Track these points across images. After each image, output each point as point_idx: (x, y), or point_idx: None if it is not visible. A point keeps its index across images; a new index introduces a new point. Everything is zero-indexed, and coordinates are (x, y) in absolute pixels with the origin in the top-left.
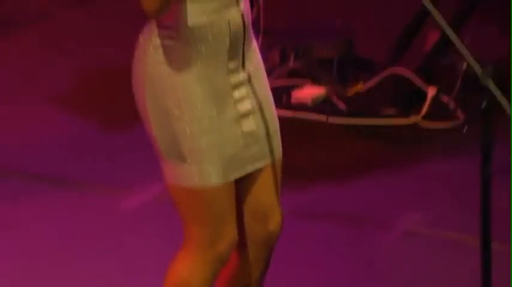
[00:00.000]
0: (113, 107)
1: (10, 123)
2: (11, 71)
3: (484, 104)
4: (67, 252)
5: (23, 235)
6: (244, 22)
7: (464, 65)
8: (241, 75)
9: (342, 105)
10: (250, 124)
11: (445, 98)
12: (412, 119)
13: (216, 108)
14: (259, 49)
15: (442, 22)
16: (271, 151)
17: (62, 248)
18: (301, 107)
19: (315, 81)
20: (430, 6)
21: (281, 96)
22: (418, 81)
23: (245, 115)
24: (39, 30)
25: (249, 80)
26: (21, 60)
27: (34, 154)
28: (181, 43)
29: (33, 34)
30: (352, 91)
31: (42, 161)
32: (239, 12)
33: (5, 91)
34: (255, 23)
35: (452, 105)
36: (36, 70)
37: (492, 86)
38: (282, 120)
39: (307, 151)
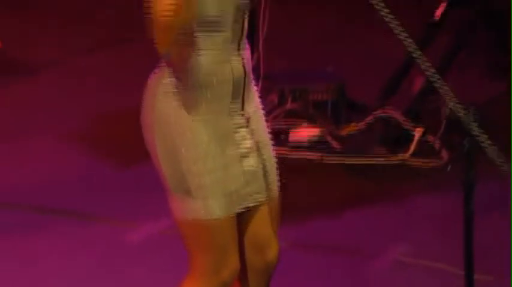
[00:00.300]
0: (122, 146)
1: (26, 160)
2: (31, 112)
3: (466, 145)
4: (76, 282)
5: (35, 265)
6: (245, 69)
7: (449, 108)
8: (242, 119)
9: (335, 145)
10: (250, 162)
11: (430, 139)
12: (400, 158)
13: (219, 148)
14: (260, 92)
15: (428, 68)
16: (269, 187)
17: (71, 277)
18: (298, 146)
19: (311, 122)
20: (415, 54)
21: (279, 135)
22: (405, 123)
23: (246, 154)
24: (55, 75)
25: (249, 122)
26: (40, 102)
27: (48, 189)
28: (188, 88)
29: (50, 78)
30: (345, 131)
31: (56, 196)
32: (240, 60)
33: (23, 130)
34: (256, 69)
35: (437, 145)
36: (53, 111)
37: (474, 128)
38: (280, 158)
39: (303, 186)
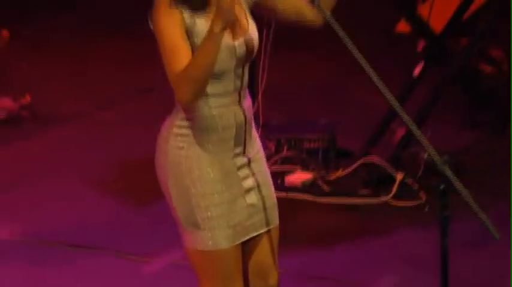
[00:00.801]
0: (140, 188)
1: (54, 201)
2: (59, 158)
3: (441, 187)
4: None
5: None
6: (246, 116)
7: (426, 155)
8: (244, 159)
9: (326, 187)
10: (252, 198)
11: (410, 182)
12: (383, 199)
13: (224, 185)
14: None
15: (408, 120)
16: (270, 220)
17: None
18: (293, 188)
19: (304, 167)
20: (397, 107)
21: (276, 179)
22: (388, 168)
23: (248, 190)
24: (81, 125)
25: (250, 162)
26: (67, 150)
27: (73, 226)
28: (196, 132)
29: (77, 128)
30: (334, 176)
31: (80, 232)
32: (242, 108)
33: (53, 174)
34: (255, 118)
35: (416, 187)
36: (79, 158)
37: (448, 172)
38: (277, 199)
39: (298, 224)
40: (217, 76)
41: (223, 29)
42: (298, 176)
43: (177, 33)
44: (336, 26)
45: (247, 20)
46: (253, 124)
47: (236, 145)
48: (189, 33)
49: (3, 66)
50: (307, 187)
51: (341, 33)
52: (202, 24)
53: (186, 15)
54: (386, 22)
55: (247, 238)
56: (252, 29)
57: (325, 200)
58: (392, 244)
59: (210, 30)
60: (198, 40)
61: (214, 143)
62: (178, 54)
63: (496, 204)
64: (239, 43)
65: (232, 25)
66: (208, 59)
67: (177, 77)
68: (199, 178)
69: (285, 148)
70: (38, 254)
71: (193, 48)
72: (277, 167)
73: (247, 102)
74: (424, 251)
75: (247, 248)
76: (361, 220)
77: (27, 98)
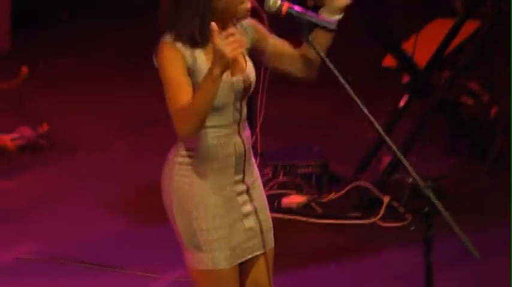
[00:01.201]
0: (147, 211)
1: (68, 221)
2: (73, 182)
3: (425, 209)
4: None
5: None
6: (245, 146)
7: (411, 180)
8: (243, 186)
9: (318, 209)
10: (250, 222)
11: (396, 204)
12: (372, 220)
13: (225, 210)
14: (257, 167)
15: (394, 148)
16: (266, 243)
17: None
18: (289, 210)
19: (299, 191)
20: (384, 136)
21: (273, 202)
22: (376, 192)
23: (246, 215)
24: (93, 152)
25: (249, 189)
26: (80, 175)
27: (85, 245)
28: (198, 161)
29: (89, 155)
30: (326, 199)
31: (92, 251)
32: (241, 138)
33: (67, 197)
34: (254, 147)
35: (402, 210)
36: (91, 182)
37: (431, 196)
38: (274, 220)
39: (293, 243)
40: (217, 109)
41: (222, 72)
42: (294, 199)
43: (178, 71)
44: (328, 62)
45: (245, 60)
46: (251, 153)
47: (236, 173)
48: (190, 71)
49: (23, 98)
50: (302, 209)
51: (332, 68)
52: (202, 61)
53: (187, 53)
54: (374, 57)
55: (245, 259)
56: (250, 69)
57: (319, 221)
58: (381, 261)
59: (210, 72)
60: (199, 77)
61: (216, 171)
62: (179, 91)
63: (476, 225)
64: (237, 80)
65: (231, 63)
66: (207, 97)
67: (177, 112)
68: (201, 203)
69: (281, 173)
70: (56, 270)
71: (195, 85)
72: (274, 191)
73: (247, 133)
74: (410, 268)
75: (244, 268)
76: (352, 240)
77: (45, 127)
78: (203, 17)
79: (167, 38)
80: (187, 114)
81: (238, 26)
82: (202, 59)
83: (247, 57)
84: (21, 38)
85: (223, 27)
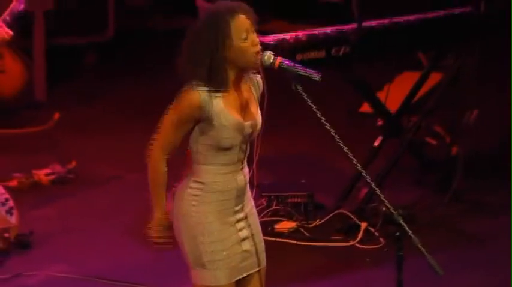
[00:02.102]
0: None
1: (93, 246)
2: (96, 211)
3: (397, 233)
4: None
5: None
6: (245, 180)
7: (384, 208)
8: (242, 214)
9: (306, 234)
10: (246, 245)
11: (372, 229)
12: (351, 243)
13: (225, 235)
14: (253, 197)
15: (370, 181)
16: (260, 262)
17: None
18: (280, 234)
19: (289, 218)
20: (361, 171)
21: (267, 227)
22: (354, 218)
23: (243, 239)
24: (114, 184)
25: (246, 217)
26: (103, 206)
27: (108, 266)
28: (205, 193)
29: (110, 187)
30: (313, 224)
31: (115, 271)
32: (243, 174)
33: (93, 225)
34: (251, 180)
35: (377, 233)
36: (113, 212)
37: (402, 222)
38: (268, 242)
39: (284, 262)
40: (225, 149)
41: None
42: (285, 225)
43: (180, 126)
44: (313, 106)
45: (256, 108)
46: (248, 186)
47: (236, 204)
48: (204, 117)
49: (55, 139)
50: (292, 233)
51: (317, 112)
52: (218, 104)
53: (205, 98)
54: (352, 104)
55: (241, 276)
56: (259, 116)
57: (306, 243)
58: (359, 278)
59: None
60: (214, 120)
61: (220, 202)
62: (166, 141)
63: (440, 247)
64: (247, 125)
65: (245, 108)
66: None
67: (154, 151)
68: (206, 229)
69: (274, 202)
70: (83, 286)
71: (207, 127)
72: (269, 218)
73: (246, 169)
74: (385, 284)
75: (242, 283)
76: (334, 260)
77: (73, 164)
78: (216, 66)
79: (190, 85)
80: (154, 158)
81: (254, 80)
82: (219, 103)
83: (258, 106)
84: (54, 89)
85: (237, 77)
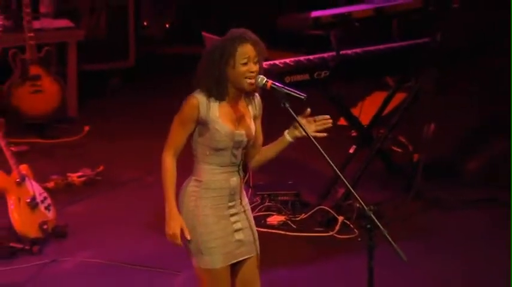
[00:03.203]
0: None
1: (116, 240)
2: (118, 209)
3: (368, 226)
4: None
5: None
6: (238, 180)
7: (358, 205)
8: (235, 209)
9: (293, 226)
10: (240, 235)
11: (348, 222)
12: (330, 234)
13: (221, 226)
14: (249, 196)
15: (346, 182)
16: (252, 250)
17: None
18: (272, 226)
19: (279, 213)
20: (339, 174)
21: (261, 220)
22: (333, 213)
23: (237, 230)
24: (134, 185)
25: (240, 212)
26: (125, 203)
27: (130, 253)
28: (202, 190)
29: (131, 188)
30: (299, 218)
31: (134, 255)
32: (236, 176)
33: (116, 220)
34: (248, 182)
35: (352, 226)
36: (133, 209)
37: (373, 217)
38: (261, 234)
39: (275, 250)
40: (218, 151)
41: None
42: (275, 219)
43: (182, 126)
44: (298, 119)
45: (250, 122)
46: (243, 186)
47: (230, 201)
48: (202, 119)
49: (85, 147)
50: (281, 226)
51: (302, 125)
52: (215, 111)
53: (204, 103)
54: (331, 118)
55: (235, 261)
56: (251, 128)
57: (293, 234)
58: (336, 264)
59: (167, 208)
60: (209, 123)
61: (214, 198)
62: (173, 143)
63: (404, 237)
64: (239, 133)
65: (239, 120)
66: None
67: (164, 152)
68: (202, 221)
69: (267, 200)
70: (109, 269)
71: (203, 129)
72: (262, 213)
73: (241, 173)
74: (358, 267)
75: (236, 269)
76: (316, 248)
77: (101, 168)
78: (219, 79)
79: (195, 92)
80: (164, 160)
81: (254, 100)
82: (215, 109)
83: (252, 120)
84: (84, 106)
85: (235, 93)
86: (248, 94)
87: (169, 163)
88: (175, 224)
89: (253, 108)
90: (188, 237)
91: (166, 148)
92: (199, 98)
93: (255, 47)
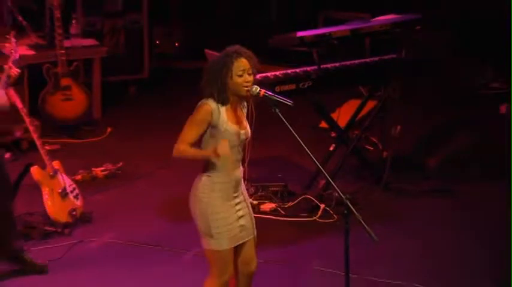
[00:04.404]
0: (181, 213)
1: (135, 221)
2: (137, 196)
3: (345, 211)
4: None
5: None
6: (240, 176)
7: (336, 194)
8: (238, 199)
9: (282, 212)
10: (242, 221)
11: (328, 209)
12: (313, 218)
13: (227, 213)
14: (246, 187)
15: (326, 175)
16: (251, 233)
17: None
18: (265, 213)
19: (271, 201)
20: (320, 167)
21: (255, 208)
22: (316, 201)
23: (240, 217)
24: (149, 179)
25: (242, 201)
26: (140, 191)
27: (144, 234)
28: (212, 183)
29: (146, 181)
30: (287, 206)
31: (149, 236)
32: (239, 171)
33: (133, 207)
34: (244, 175)
35: (331, 212)
36: (149, 196)
37: (349, 204)
38: (255, 219)
39: (267, 232)
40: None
41: (211, 157)
42: (267, 206)
43: (197, 126)
44: (287, 123)
45: (246, 122)
46: (242, 180)
47: (234, 192)
48: (213, 122)
49: (107, 146)
50: (272, 212)
51: (290, 128)
52: (223, 115)
53: (215, 108)
54: (314, 121)
55: (238, 243)
56: (248, 127)
57: (282, 219)
58: (319, 243)
59: (206, 154)
60: (219, 125)
61: (222, 190)
62: (187, 137)
63: (374, 221)
64: (242, 132)
65: (240, 121)
66: (191, 157)
67: (178, 144)
68: (213, 210)
69: (260, 190)
70: (129, 249)
71: (214, 130)
72: (256, 201)
73: (241, 168)
74: (337, 246)
75: (237, 249)
76: (301, 230)
77: (121, 163)
78: (221, 88)
79: (206, 98)
80: (179, 149)
81: (244, 104)
82: (223, 113)
83: (246, 120)
84: (106, 111)
85: (235, 99)
86: (242, 100)
87: (184, 147)
88: (214, 151)
89: (244, 111)
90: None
91: (179, 142)
92: (211, 105)
93: (248, 60)
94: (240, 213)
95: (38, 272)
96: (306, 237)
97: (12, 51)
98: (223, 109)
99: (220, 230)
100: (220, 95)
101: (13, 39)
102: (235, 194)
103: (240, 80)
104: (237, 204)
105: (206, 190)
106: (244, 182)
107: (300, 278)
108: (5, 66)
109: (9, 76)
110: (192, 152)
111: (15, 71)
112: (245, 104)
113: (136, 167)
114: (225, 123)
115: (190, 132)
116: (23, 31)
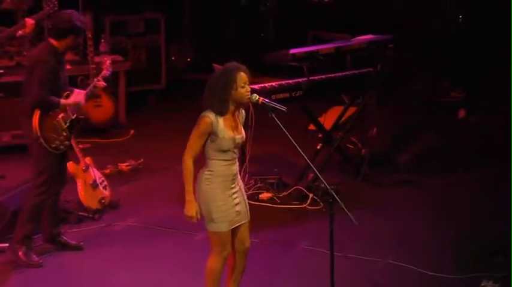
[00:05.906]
0: None
1: (152, 208)
2: (151, 190)
3: (330, 200)
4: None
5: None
6: (236, 170)
7: (323, 185)
8: (235, 189)
9: (278, 201)
10: (238, 207)
11: (316, 198)
12: (303, 206)
13: (225, 201)
14: (246, 179)
15: (314, 170)
16: (245, 217)
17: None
18: (262, 201)
19: (268, 191)
20: (309, 163)
21: (254, 196)
22: (305, 191)
23: (237, 204)
24: (167, 173)
25: (238, 190)
26: (157, 186)
27: (163, 218)
28: (214, 177)
29: (164, 174)
30: (281, 195)
31: (164, 220)
32: (235, 166)
33: (152, 196)
34: (245, 169)
35: (318, 200)
36: (162, 191)
37: (333, 193)
38: (254, 206)
39: (263, 217)
40: (224, 151)
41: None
42: (265, 195)
43: (200, 138)
44: (281, 126)
45: (242, 127)
46: (239, 173)
47: (232, 183)
48: (213, 131)
49: (131, 145)
50: (269, 200)
51: (284, 130)
52: (221, 124)
53: (214, 119)
54: (304, 124)
55: (234, 226)
56: (243, 132)
57: (277, 206)
58: (308, 226)
59: (187, 197)
60: (217, 133)
61: (222, 182)
62: (192, 149)
63: (354, 207)
64: (237, 137)
65: (236, 127)
66: (184, 178)
67: (185, 154)
68: (214, 198)
69: (259, 182)
70: (150, 231)
71: (214, 137)
72: (256, 191)
73: (237, 163)
74: (323, 230)
75: (234, 231)
76: (294, 216)
77: (142, 160)
78: (222, 100)
79: (206, 112)
80: (186, 163)
81: (241, 112)
82: (221, 123)
83: (242, 127)
84: (130, 115)
85: (234, 108)
86: (239, 107)
87: (189, 164)
88: (192, 209)
89: (241, 118)
90: (199, 218)
91: (187, 152)
92: (211, 117)
93: (246, 73)
94: (236, 201)
95: (74, 249)
96: (297, 221)
97: (105, 68)
98: (221, 119)
99: (220, 215)
100: (221, 105)
101: (108, 61)
102: (232, 185)
103: (243, 90)
104: (233, 193)
105: (207, 182)
106: (246, 175)
107: (291, 255)
108: (95, 79)
109: (95, 86)
110: (186, 178)
111: (101, 84)
112: (243, 111)
113: (155, 163)
114: (223, 131)
115: (195, 144)
116: None
